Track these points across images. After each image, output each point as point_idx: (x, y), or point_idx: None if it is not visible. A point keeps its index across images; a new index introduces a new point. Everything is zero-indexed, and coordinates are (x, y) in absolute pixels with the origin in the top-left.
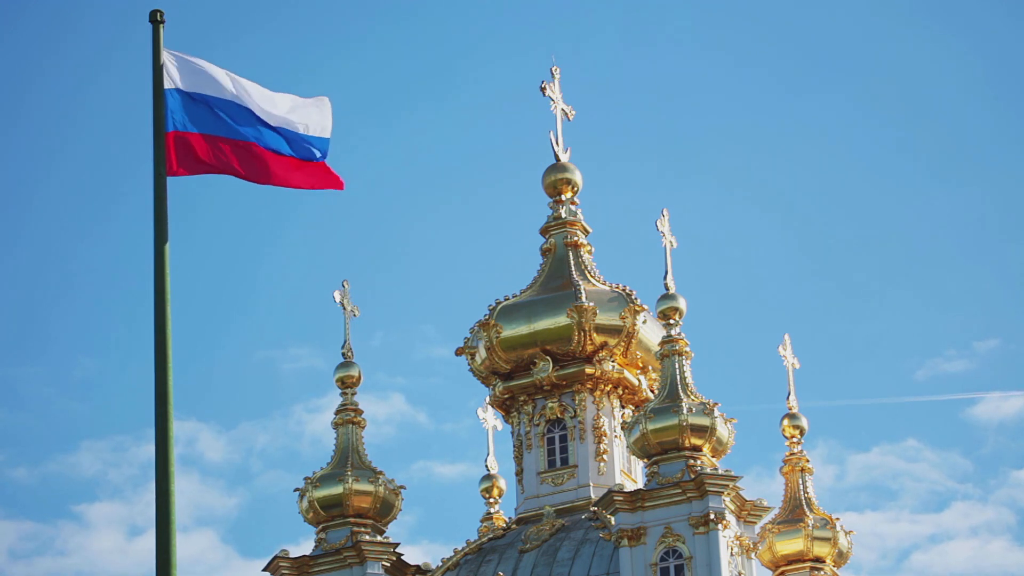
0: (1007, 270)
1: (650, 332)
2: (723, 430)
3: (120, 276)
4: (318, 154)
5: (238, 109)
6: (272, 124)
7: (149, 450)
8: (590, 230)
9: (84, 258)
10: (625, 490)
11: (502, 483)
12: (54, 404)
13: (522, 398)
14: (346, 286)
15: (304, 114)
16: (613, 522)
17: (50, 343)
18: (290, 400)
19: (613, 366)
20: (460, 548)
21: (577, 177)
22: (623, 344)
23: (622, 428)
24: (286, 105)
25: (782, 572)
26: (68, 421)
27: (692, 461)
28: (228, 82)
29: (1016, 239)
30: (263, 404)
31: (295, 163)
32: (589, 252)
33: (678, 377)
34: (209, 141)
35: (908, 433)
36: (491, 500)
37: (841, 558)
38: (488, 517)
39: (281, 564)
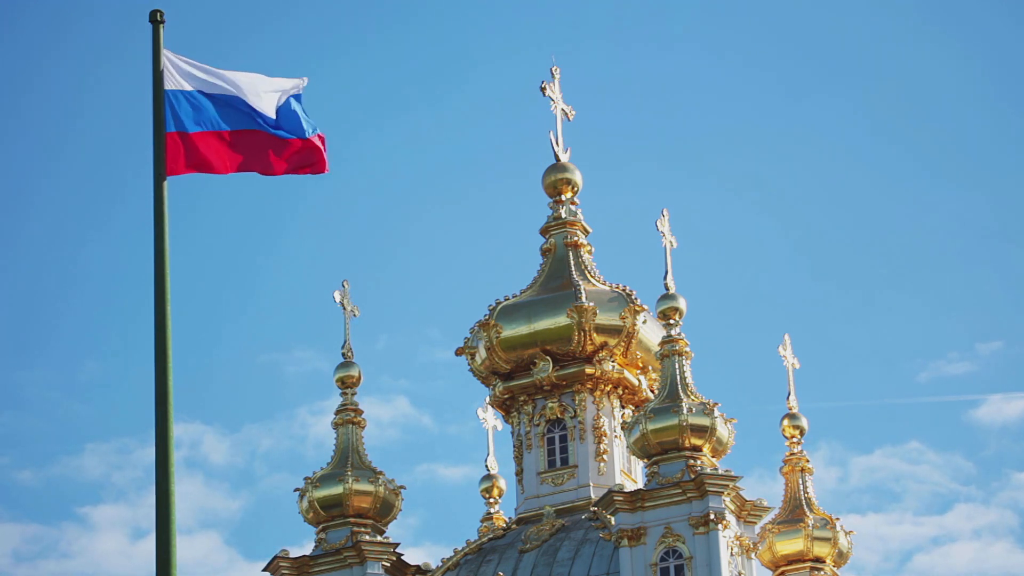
0: (1010, 272)
1: (650, 332)
2: (723, 430)
3: (123, 277)
4: (309, 130)
5: (232, 100)
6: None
7: (153, 452)
8: (590, 230)
9: (86, 260)
10: (625, 490)
11: (502, 483)
12: (58, 407)
13: (522, 398)
14: (346, 286)
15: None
16: (613, 522)
17: (54, 346)
18: (294, 403)
19: (613, 366)
20: (460, 548)
21: (577, 177)
22: (623, 344)
23: (622, 428)
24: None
25: (782, 572)
26: (72, 424)
27: (692, 461)
28: (219, 76)
29: (1018, 241)
30: (267, 407)
31: (283, 142)
32: (589, 252)
33: (678, 377)
34: (210, 138)
35: (910, 435)
36: (491, 500)
37: (841, 558)
38: (488, 517)
39: (281, 564)
